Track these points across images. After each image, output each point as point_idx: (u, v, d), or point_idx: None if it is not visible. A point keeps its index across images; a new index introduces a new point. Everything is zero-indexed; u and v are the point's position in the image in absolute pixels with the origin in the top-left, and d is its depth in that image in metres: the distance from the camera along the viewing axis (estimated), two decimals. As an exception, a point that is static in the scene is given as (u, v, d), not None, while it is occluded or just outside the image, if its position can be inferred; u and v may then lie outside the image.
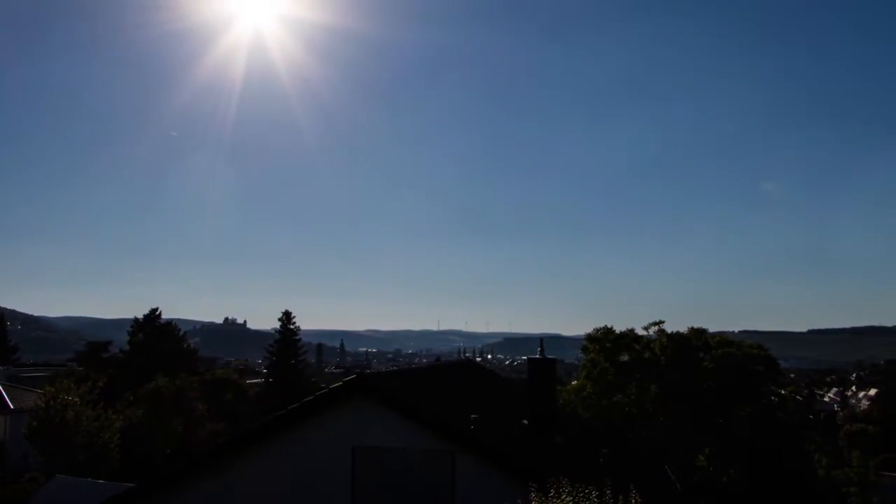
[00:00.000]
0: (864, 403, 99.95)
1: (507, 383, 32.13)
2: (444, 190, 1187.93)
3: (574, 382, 39.16)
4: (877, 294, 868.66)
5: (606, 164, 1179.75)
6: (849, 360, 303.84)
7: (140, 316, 66.83)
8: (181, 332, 72.72)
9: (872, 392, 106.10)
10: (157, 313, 67.56)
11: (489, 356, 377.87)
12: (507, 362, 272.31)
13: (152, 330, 66.06)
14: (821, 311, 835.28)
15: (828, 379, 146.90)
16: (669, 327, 36.91)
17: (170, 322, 70.85)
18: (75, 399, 35.29)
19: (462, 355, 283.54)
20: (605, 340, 36.46)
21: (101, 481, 27.98)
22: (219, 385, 57.41)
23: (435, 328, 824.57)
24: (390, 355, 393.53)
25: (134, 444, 37.14)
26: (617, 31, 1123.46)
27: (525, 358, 24.28)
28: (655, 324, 37.09)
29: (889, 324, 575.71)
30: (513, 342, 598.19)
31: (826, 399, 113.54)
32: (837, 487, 41.15)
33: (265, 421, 15.95)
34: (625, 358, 36.31)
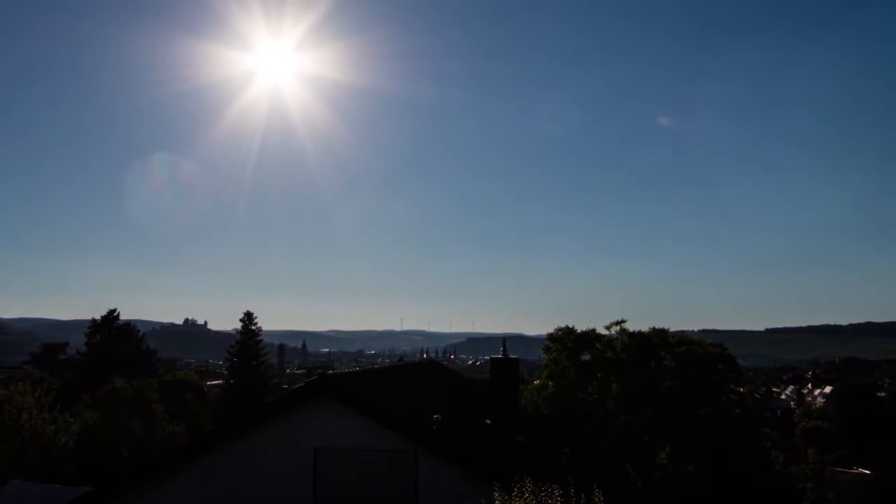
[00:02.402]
0: (820, 401, 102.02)
1: (470, 383, 32.17)
2: (406, 192, 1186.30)
3: (536, 382, 39.28)
4: (833, 294, 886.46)
5: (562, 162, 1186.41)
6: (805, 358, 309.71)
7: (97, 317, 65.71)
8: (140, 334, 71.67)
9: (828, 389, 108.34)
10: (115, 314, 66.45)
11: (452, 356, 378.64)
12: (470, 362, 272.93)
13: (110, 331, 64.92)
14: (778, 311, 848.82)
15: (784, 377, 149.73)
16: (631, 326, 37.23)
17: (128, 323, 69.74)
18: (30, 402, 34.60)
19: (425, 355, 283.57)
20: (566, 340, 36.66)
21: (57, 485, 27.46)
22: (179, 386, 56.64)
23: (398, 328, 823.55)
24: (353, 356, 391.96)
25: (91, 448, 36.54)
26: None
27: (488, 358, 24.34)
28: (617, 323, 37.37)
29: (844, 322, 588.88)
30: (476, 342, 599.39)
31: (783, 397, 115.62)
32: (793, 483, 41.89)
33: (227, 423, 15.81)
34: (586, 357, 36.56)
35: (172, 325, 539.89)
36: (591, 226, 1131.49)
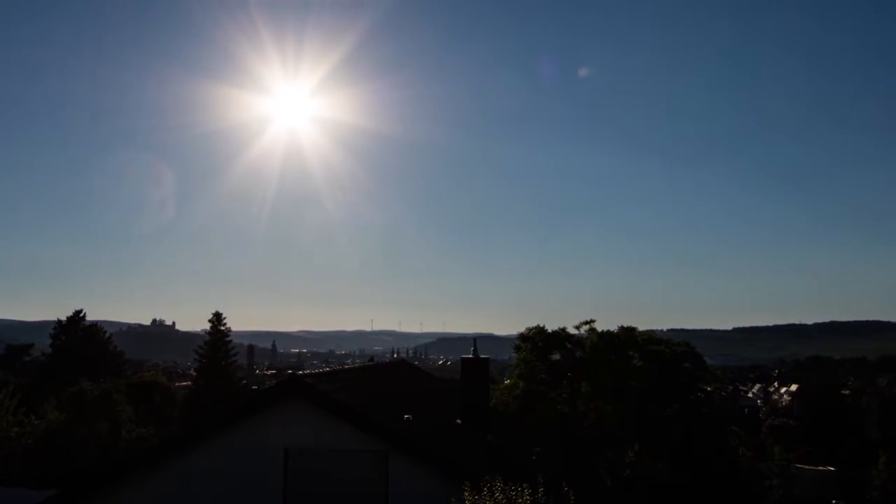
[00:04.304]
0: (786, 399, 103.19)
1: (441, 383, 32.17)
2: (378, 195, 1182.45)
3: (507, 381, 39.45)
4: (799, 294, 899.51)
5: (534, 164, 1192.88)
6: (771, 357, 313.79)
7: (63, 318, 64.79)
8: (107, 335, 70.75)
9: (794, 388, 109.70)
10: (82, 315, 65.58)
11: (423, 356, 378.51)
12: (441, 362, 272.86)
13: (76, 332, 64.07)
14: (745, 310, 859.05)
15: (751, 375, 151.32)
16: (600, 326, 37.47)
17: (94, 324, 68.85)
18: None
19: (395, 355, 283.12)
20: (537, 339, 36.83)
21: (22, 489, 27.08)
22: (146, 388, 56.01)
23: (368, 329, 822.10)
24: (323, 356, 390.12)
25: (56, 450, 36.03)
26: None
27: (459, 358, 24.38)
28: (586, 323, 37.58)
29: (809, 322, 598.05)
30: (446, 342, 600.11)
31: (750, 395, 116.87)
32: (760, 480, 42.36)
33: (196, 424, 15.68)
34: (556, 357, 36.76)
35: (140, 325, 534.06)
36: (561, 226, 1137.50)
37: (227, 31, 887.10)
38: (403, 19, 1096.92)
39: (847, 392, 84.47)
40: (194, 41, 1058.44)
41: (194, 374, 77.94)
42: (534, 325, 37.78)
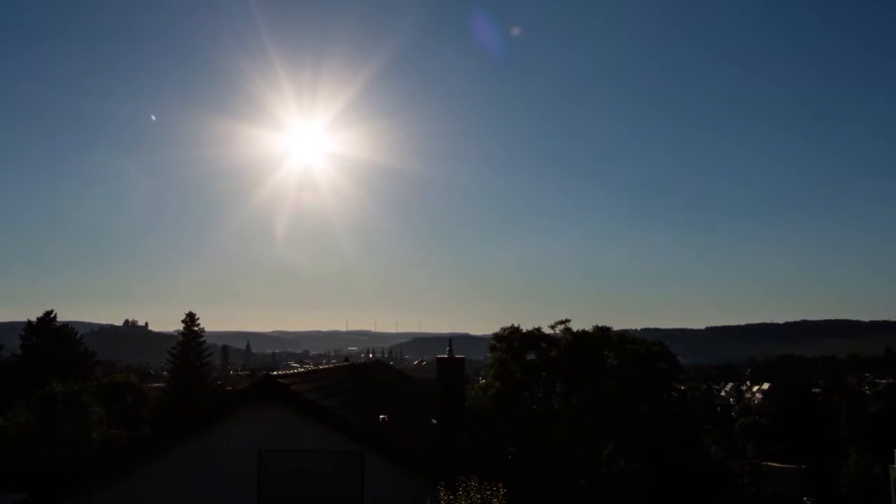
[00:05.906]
0: (758, 397, 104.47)
1: (416, 383, 32.16)
2: (355, 198, 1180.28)
3: (482, 381, 39.48)
4: (770, 293, 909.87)
5: (510, 165, 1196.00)
6: (744, 356, 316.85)
7: (33, 319, 63.93)
8: (78, 336, 69.84)
9: (766, 386, 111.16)
10: (52, 316, 64.73)
11: (398, 356, 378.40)
12: (416, 362, 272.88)
13: (47, 333, 63.21)
14: (718, 310, 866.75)
15: (724, 374, 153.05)
16: (575, 326, 37.59)
17: (66, 325, 67.97)
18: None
19: (371, 355, 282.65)
20: (512, 339, 36.89)
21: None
22: (118, 389, 55.47)
23: (343, 329, 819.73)
24: (298, 356, 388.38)
25: (25, 452, 35.57)
26: None
27: (434, 358, 24.38)
28: (561, 322, 37.69)
29: (781, 321, 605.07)
30: (422, 342, 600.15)
31: (723, 393, 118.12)
32: (732, 477, 42.78)
33: (169, 425, 15.53)
34: (532, 356, 36.85)
35: (112, 326, 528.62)
36: (536, 226, 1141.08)
37: (247, 73, 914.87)
38: (416, 57, 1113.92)
39: (818, 391, 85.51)
40: (212, 80, 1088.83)
41: (167, 375, 77.33)
42: (509, 325, 37.85)
